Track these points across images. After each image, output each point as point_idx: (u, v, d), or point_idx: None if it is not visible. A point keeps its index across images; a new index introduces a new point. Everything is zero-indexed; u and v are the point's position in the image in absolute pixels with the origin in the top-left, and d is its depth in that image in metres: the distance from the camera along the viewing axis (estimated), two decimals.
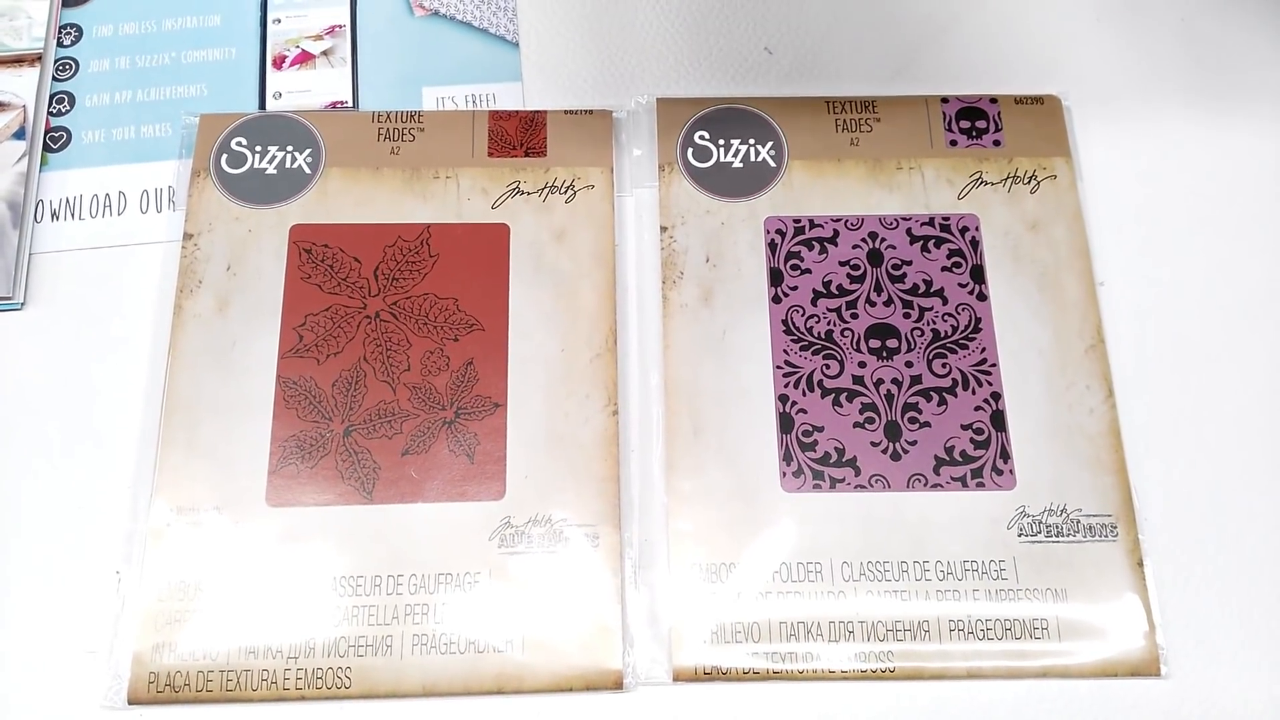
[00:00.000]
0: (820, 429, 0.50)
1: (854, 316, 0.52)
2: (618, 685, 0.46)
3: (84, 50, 0.59)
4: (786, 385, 0.51)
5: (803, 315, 0.52)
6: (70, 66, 0.59)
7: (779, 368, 0.51)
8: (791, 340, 0.52)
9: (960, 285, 0.53)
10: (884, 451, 0.50)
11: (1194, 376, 0.53)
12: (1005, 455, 0.50)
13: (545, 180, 0.55)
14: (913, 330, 0.52)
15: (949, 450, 0.50)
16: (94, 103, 0.58)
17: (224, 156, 0.55)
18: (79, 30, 0.60)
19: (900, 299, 0.53)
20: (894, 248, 0.54)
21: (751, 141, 0.56)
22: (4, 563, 0.49)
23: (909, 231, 0.54)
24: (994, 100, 0.57)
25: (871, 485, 0.49)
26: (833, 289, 0.53)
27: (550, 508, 0.49)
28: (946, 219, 0.54)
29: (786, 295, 0.53)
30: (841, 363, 0.51)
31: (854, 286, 0.53)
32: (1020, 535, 0.49)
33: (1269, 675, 0.48)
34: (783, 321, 0.52)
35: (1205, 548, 0.50)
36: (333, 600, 0.47)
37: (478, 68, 0.59)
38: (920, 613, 0.47)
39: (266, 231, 0.53)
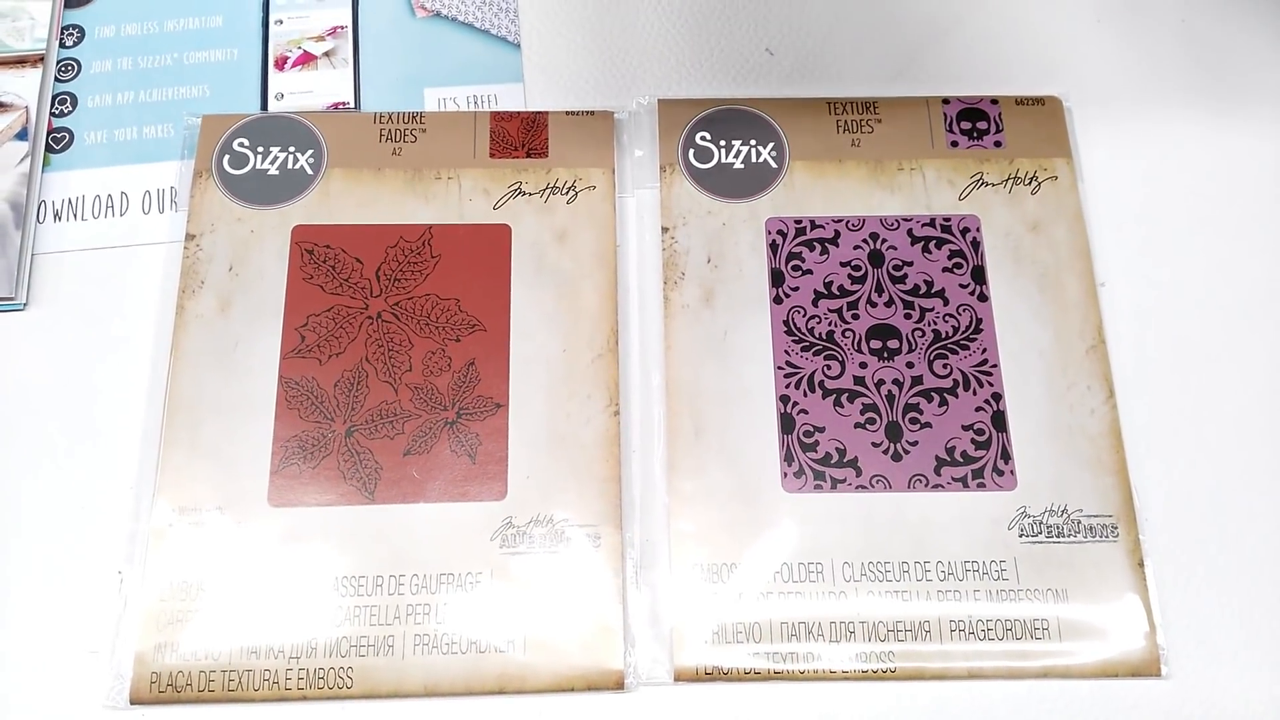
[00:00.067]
0: (821, 429, 0.50)
1: (855, 317, 0.52)
2: (619, 685, 0.46)
3: (86, 51, 0.59)
4: (788, 386, 0.51)
5: (804, 316, 0.52)
6: (72, 67, 0.59)
7: (780, 368, 0.51)
8: (793, 341, 0.52)
9: (961, 286, 0.53)
10: (885, 452, 0.50)
11: (1194, 377, 0.53)
12: (1006, 456, 0.50)
13: (547, 181, 0.55)
14: (914, 331, 0.52)
15: (950, 451, 0.50)
16: (96, 103, 0.58)
17: (226, 157, 0.55)
18: (81, 31, 0.60)
19: (901, 300, 0.53)
20: (895, 248, 0.54)
21: (753, 142, 0.56)
22: (6, 563, 0.49)
23: (910, 232, 0.54)
24: (995, 101, 0.57)
25: (872, 486, 0.49)
26: (834, 290, 0.53)
27: (552, 508, 0.49)
28: (947, 220, 0.54)
29: (788, 296, 0.53)
30: (842, 363, 0.52)
31: (855, 287, 0.53)
32: (1021, 536, 0.49)
33: (1270, 675, 0.48)
34: (784, 322, 0.52)
35: (1206, 548, 0.50)
36: (334, 600, 0.47)
37: (479, 69, 0.59)
38: (921, 613, 0.47)
39: (268, 232, 0.54)
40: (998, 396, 0.51)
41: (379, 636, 0.47)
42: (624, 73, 0.59)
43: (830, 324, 0.52)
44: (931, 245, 0.54)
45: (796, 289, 0.53)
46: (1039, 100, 0.57)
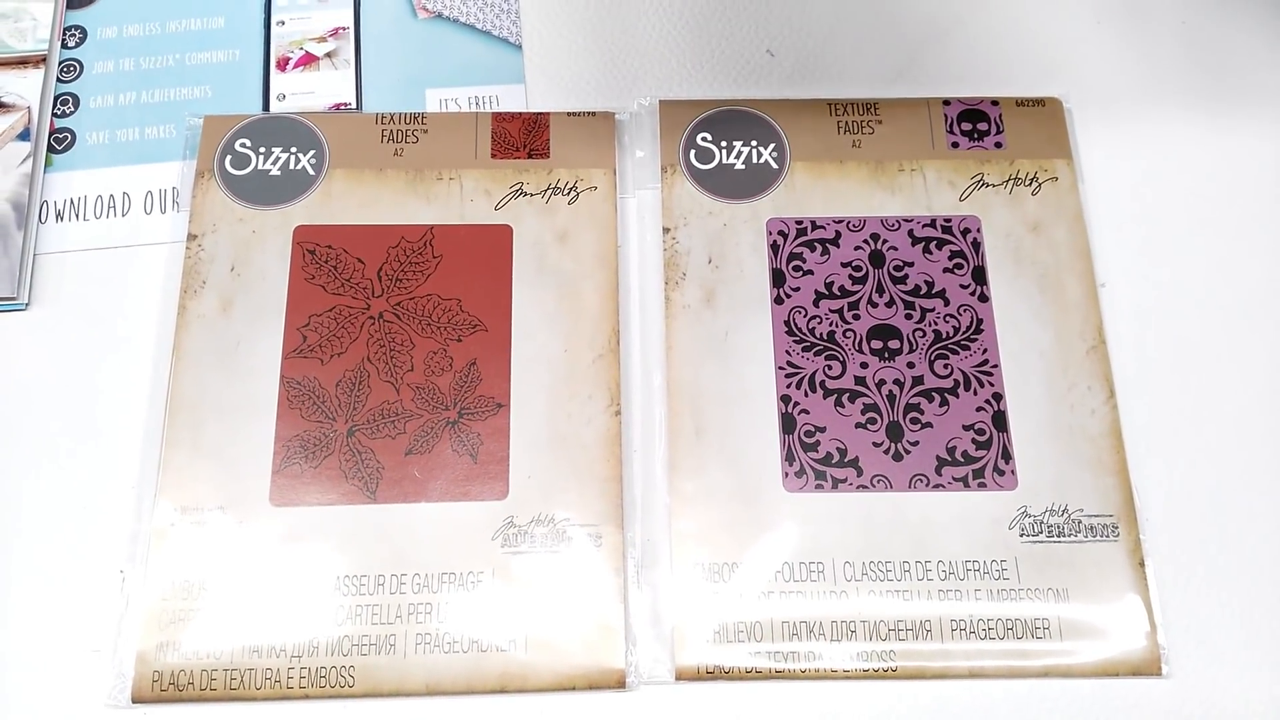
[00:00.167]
0: (822, 429, 0.50)
1: (856, 317, 0.53)
2: (620, 684, 0.46)
3: (88, 52, 0.60)
4: (789, 386, 0.51)
5: (805, 316, 0.52)
6: (75, 68, 0.59)
7: (781, 368, 0.52)
8: (793, 341, 0.52)
9: (962, 286, 0.53)
10: (886, 452, 0.50)
11: (1195, 377, 0.53)
12: (1007, 456, 0.50)
13: (548, 181, 0.55)
14: (914, 331, 0.52)
15: (950, 451, 0.50)
16: (98, 104, 0.58)
17: (228, 158, 0.55)
18: (83, 32, 0.60)
19: (902, 300, 0.53)
20: (896, 249, 0.54)
21: (754, 143, 0.56)
22: (9, 562, 0.49)
23: (911, 233, 0.54)
24: (995, 102, 0.57)
25: (873, 485, 0.50)
26: (835, 290, 0.53)
27: (553, 508, 0.49)
28: (948, 220, 0.54)
29: (788, 296, 0.53)
30: (843, 363, 0.52)
31: (856, 288, 0.53)
32: (1022, 535, 0.49)
33: (1270, 675, 0.48)
34: (785, 322, 0.52)
35: (1206, 548, 0.50)
36: (336, 599, 0.47)
37: (481, 70, 0.59)
38: (922, 612, 0.47)
39: (270, 232, 0.54)
40: (998, 396, 0.51)
41: (381, 635, 0.47)
42: (625, 74, 0.59)
43: (831, 324, 0.52)
44: (932, 246, 0.54)
45: (797, 289, 0.53)
46: (1039, 101, 0.57)
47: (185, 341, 0.51)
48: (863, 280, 0.53)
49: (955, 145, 0.56)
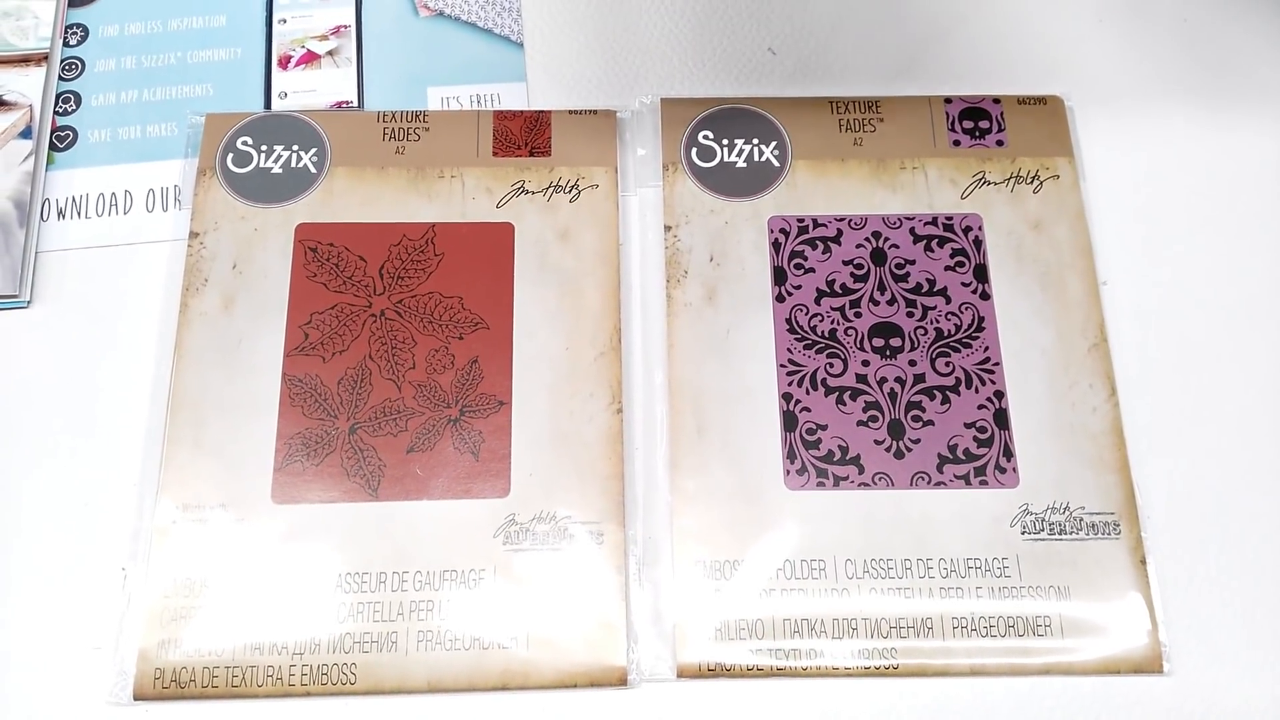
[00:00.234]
0: (824, 427, 0.50)
1: (857, 315, 0.53)
2: (622, 682, 0.46)
3: (90, 50, 0.60)
4: (790, 384, 0.51)
5: (806, 314, 0.53)
6: (76, 66, 0.59)
7: (783, 366, 0.52)
8: (795, 339, 0.52)
9: (963, 284, 0.53)
10: (887, 450, 0.50)
11: (1196, 375, 0.53)
12: (1008, 453, 0.50)
13: (550, 180, 0.55)
14: (916, 329, 0.52)
15: (952, 448, 0.50)
16: (100, 102, 0.58)
17: (230, 156, 0.55)
18: (85, 30, 0.60)
19: (903, 298, 0.53)
20: (897, 247, 0.54)
21: (755, 141, 0.56)
22: (10, 560, 0.49)
23: (912, 231, 0.54)
24: (997, 101, 0.57)
25: (875, 483, 0.50)
26: (836, 288, 0.53)
27: (555, 505, 0.49)
28: (950, 218, 0.54)
29: (790, 294, 0.53)
30: (845, 361, 0.52)
31: (857, 285, 0.53)
32: (1023, 533, 0.49)
33: (1271, 673, 0.48)
34: (786, 320, 0.52)
35: (1208, 546, 0.50)
36: (338, 597, 0.47)
37: (482, 68, 0.59)
38: (923, 610, 0.47)
39: (272, 230, 0.54)
40: (1000, 394, 0.51)
41: (382, 633, 0.47)
42: (627, 72, 0.59)
43: (833, 322, 0.52)
44: (934, 244, 0.54)
45: (799, 287, 0.53)
46: (1041, 99, 0.57)
47: (187, 339, 0.51)
48: (864, 278, 0.53)
49: (957, 143, 0.56)
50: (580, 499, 0.49)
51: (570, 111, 0.57)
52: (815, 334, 0.52)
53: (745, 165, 0.55)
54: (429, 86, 0.59)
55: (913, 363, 0.52)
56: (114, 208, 0.56)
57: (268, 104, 0.58)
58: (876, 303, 0.53)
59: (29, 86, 0.58)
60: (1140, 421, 0.52)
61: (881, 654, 0.47)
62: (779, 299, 0.53)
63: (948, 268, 0.53)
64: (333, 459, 0.50)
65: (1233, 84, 0.59)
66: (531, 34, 0.60)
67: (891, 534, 0.49)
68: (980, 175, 0.55)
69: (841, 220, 0.54)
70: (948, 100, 0.57)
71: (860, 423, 0.51)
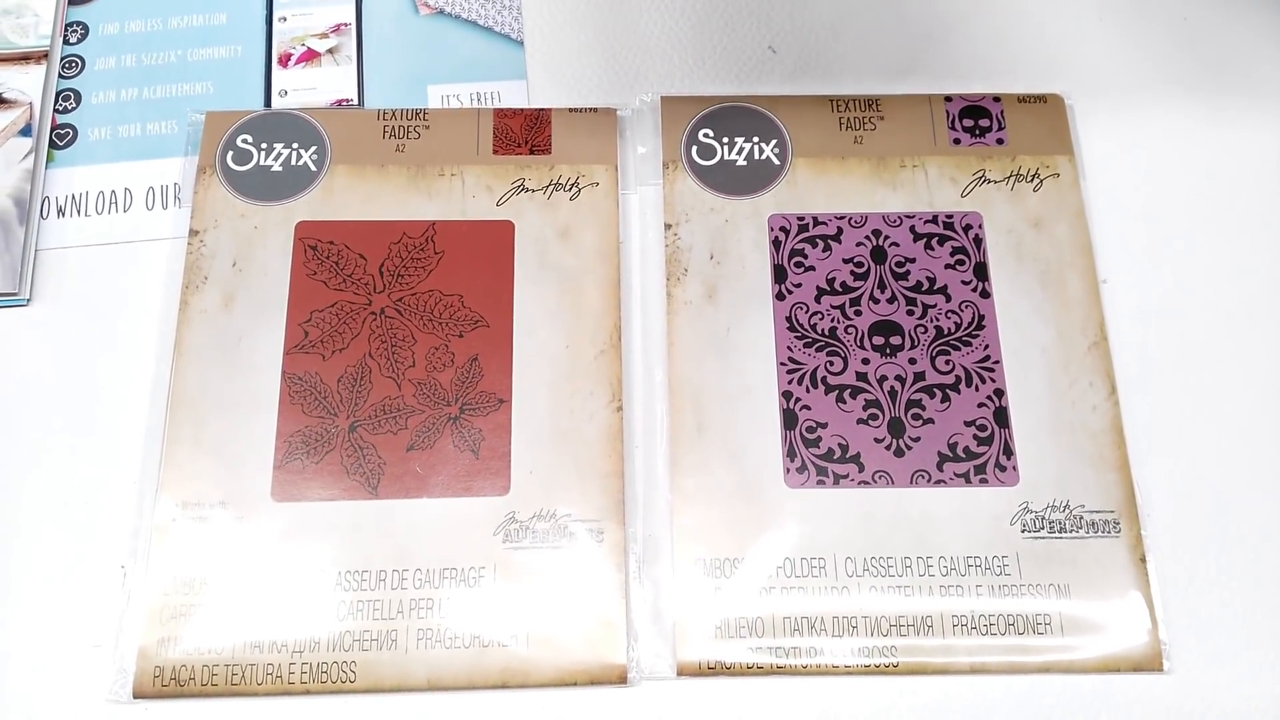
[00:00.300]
0: (824, 425, 0.50)
1: (857, 313, 0.53)
2: (622, 680, 0.46)
3: (90, 48, 0.60)
4: (790, 382, 0.51)
5: (806, 312, 0.52)
6: (76, 64, 0.59)
7: (783, 364, 0.52)
8: (795, 337, 0.52)
9: (963, 283, 0.53)
10: (887, 448, 0.50)
11: (1197, 373, 0.53)
12: (1008, 451, 0.50)
13: (550, 178, 0.55)
14: (916, 327, 0.52)
15: (952, 446, 0.50)
16: (100, 100, 0.58)
17: (230, 153, 0.55)
18: (85, 28, 0.60)
19: (904, 296, 0.53)
20: (897, 245, 0.54)
21: (755, 139, 0.56)
22: (10, 558, 0.49)
23: (912, 229, 0.54)
24: (997, 99, 0.57)
25: (875, 481, 0.50)
26: (836, 286, 0.53)
27: (555, 503, 0.49)
28: (950, 217, 0.54)
29: (790, 292, 0.53)
30: (845, 359, 0.52)
31: (857, 284, 0.53)
32: (1023, 531, 0.49)
33: (1272, 671, 0.48)
34: (786, 318, 0.52)
35: (1208, 544, 0.50)
36: (337, 595, 0.47)
37: (483, 66, 0.59)
38: (923, 608, 0.47)
39: (272, 228, 0.54)
40: (1000, 393, 0.51)
41: (382, 631, 0.47)
42: (627, 70, 0.59)
43: (833, 320, 0.52)
44: (934, 242, 0.54)
45: (799, 285, 0.53)
46: (1041, 98, 0.57)
47: (187, 337, 0.51)
48: (864, 276, 0.53)
49: (957, 141, 0.56)
50: (580, 497, 0.49)
51: (570, 109, 0.57)
52: (815, 332, 0.52)
53: (745, 163, 0.55)
54: (429, 84, 0.59)
55: (913, 361, 0.52)
56: (114, 206, 0.56)
57: (268, 102, 0.58)
58: (876, 301, 0.53)
59: (29, 84, 0.58)
60: (1140, 420, 0.52)
61: (881, 652, 0.47)
62: (779, 297, 0.53)
63: (948, 266, 0.53)
64: (332, 457, 0.50)
65: (1233, 82, 0.59)
66: (532, 32, 0.60)
67: (891, 532, 0.49)
68: (980, 173, 0.55)
69: (842, 218, 0.54)
70: (948, 99, 0.57)
71: (860, 421, 0.51)
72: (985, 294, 0.53)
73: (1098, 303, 0.53)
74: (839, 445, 0.50)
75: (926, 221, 0.54)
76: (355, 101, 0.58)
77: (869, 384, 0.51)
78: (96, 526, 0.49)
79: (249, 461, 0.49)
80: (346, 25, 0.60)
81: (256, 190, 0.54)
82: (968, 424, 0.51)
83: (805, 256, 0.54)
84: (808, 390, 0.51)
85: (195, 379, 0.51)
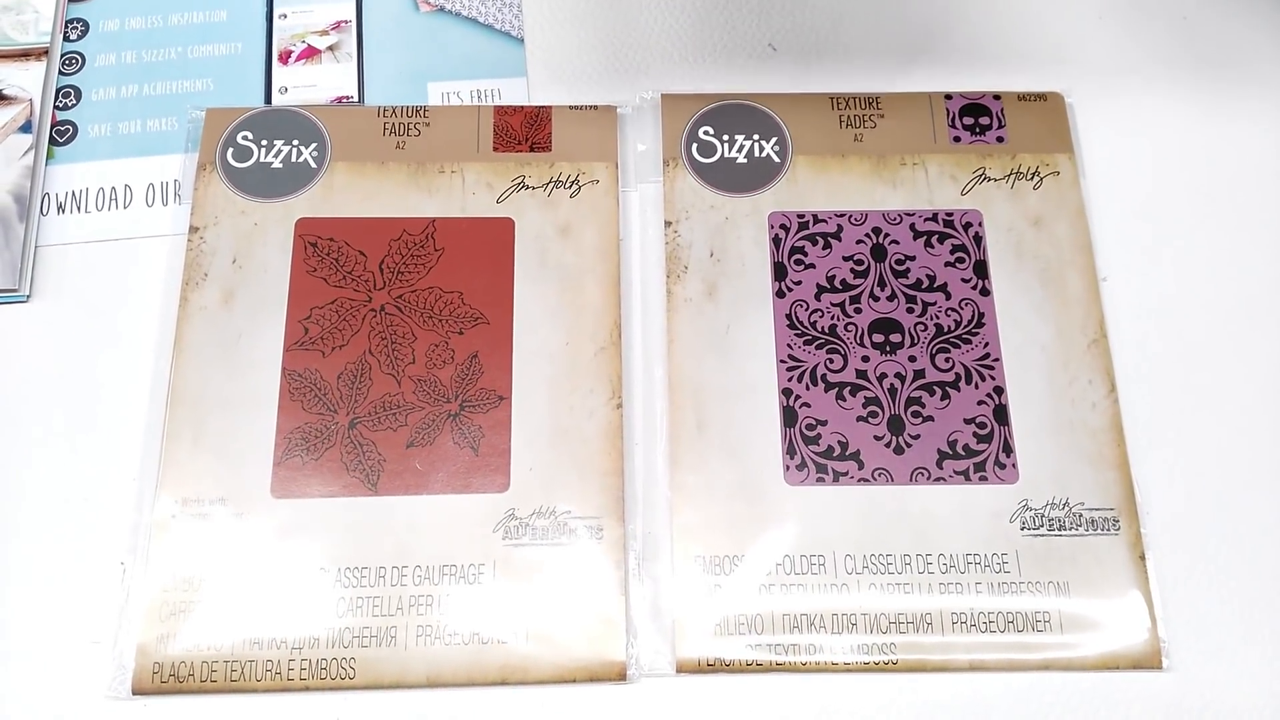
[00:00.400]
0: (824, 423, 0.50)
1: (857, 311, 0.53)
2: (621, 676, 0.46)
3: (90, 45, 0.60)
4: (790, 379, 0.51)
5: (806, 310, 0.52)
6: (76, 61, 0.59)
7: (783, 362, 0.52)
8: (795, 335, 0.52)
9: (963, 280, 0.53)
10: (887, 445, 0.50)
11: (1196, 371, 0.53)
12: (1008, 449, 0.50)
13: (550, 175, 0.55)
14: (916, 325, 0.52)
15: (952, 444, 0.50)
16: (100, 97, 0.58)
17: (230, 150, 0.55)
18: (85, 25, 0.60)
19: (904, 294, 0.53)
20: (897, 243, 0.54)
21: (756, 137, 0.56)
22: (9, 554, 0.49)
23: (912, 227, 0.54)
24: (997, 97, 0.57)
25: (875, 479, 0.50)
26: (836, 284, 0.53)
27: (554, 500, 0.49)
28: (950, 214, 0.54)
29: (790, 290, 0.53)
30: (845, 357, 0.52)
31: (857, 281, 0.53)
32: (1023, 529, 0.49)
33: (1271, 669, 0.48)
34: (786, 316, 0.52)
35: (1207, 542, 0.50)
36: (337, 591, 0.47)
37: (483, 63, 0.59)
38: (923, 605, 0.47)
39: (272, 225, 0.54)
40: (1000, 390, 0.51)
41: (381, 627, 0.47)
42: (627, 67, 0.59)
43: (833, 318, 0.52)
44: (934, 240, 0.54)
45: (799, 283, 0.53)
46: (1041, 96, 0.57)
47: (187, 334, 0.51)
48: (864, 274, 0.53)
49: (957, 139, 0.56)
50: (580, 494, 0.49)
51: (571, 107, 0.57)
52: (815, 330, 0.52)
53: (746, 161, 0.55)
54: (429, 82, 0.59)
55: (913, 358, 0.52)
56: (114, 202, 0.56)
57: (268, 99, 0.58)
58: (876, 298, 0.53)
59: (29, 81, 0.58)
60: (1140, 417, 0.52)
61: (881, 649, 0.47)
62: (779, 294, 0.53)
63: (948, 264, 0.53)
64: (332, 454, 0.50)
65: (1233, 80, 0.59)
66: (532, 29, 0.60)
67: (891, 529, 0.49)
68: (980, 171, 0.55)
69: (842, 216, 0.54)
70: (948, 96, 0.57)
71: (860, 418, 0.51)
72: (985, 292, 0.53)
73: (1097, 300, 0.53)
74: (839, 443, 0.50)
75: (926, 219, 0.54)
76: (355, 98, 0.58)
77: (869, 381, 0.51)
78: (96, 523, 0.49)
79: (249, 458, 0.49)
80: (347, 22, 0.60)
81: (257, 187, 0.54)
82: (967, 421, 0.51)
83: (805, 254, 0.54)
84: (808, 388, 0.51)
85: (195, 376, 0.51)
